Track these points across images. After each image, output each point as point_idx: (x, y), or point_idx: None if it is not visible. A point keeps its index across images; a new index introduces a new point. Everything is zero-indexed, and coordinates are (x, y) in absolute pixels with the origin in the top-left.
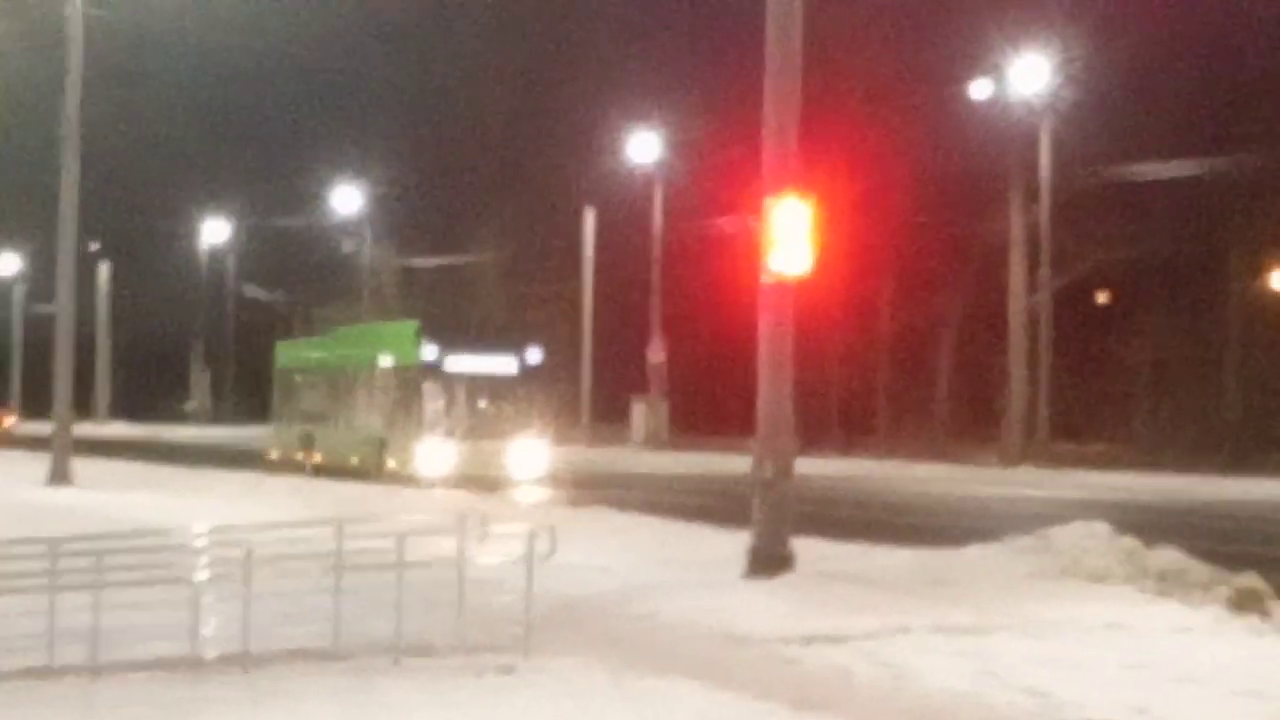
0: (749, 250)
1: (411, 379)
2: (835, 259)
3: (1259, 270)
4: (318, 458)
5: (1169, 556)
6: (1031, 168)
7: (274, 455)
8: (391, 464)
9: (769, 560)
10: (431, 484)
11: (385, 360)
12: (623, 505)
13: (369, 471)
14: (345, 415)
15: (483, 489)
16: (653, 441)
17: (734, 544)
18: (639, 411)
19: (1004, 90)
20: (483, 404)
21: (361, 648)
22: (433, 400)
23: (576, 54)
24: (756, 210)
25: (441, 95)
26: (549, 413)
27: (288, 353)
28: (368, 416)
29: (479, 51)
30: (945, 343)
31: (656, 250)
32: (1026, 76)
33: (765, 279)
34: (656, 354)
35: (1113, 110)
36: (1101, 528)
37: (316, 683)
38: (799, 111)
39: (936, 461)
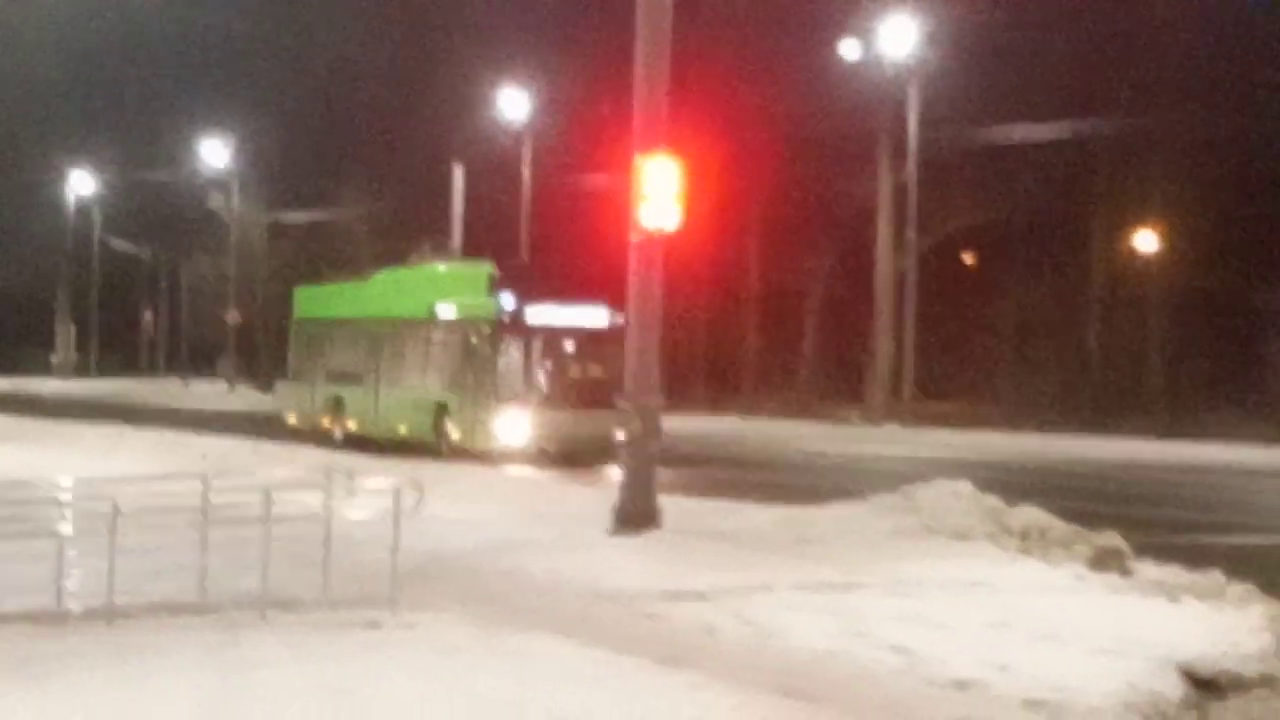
0: (618, 207)
1: (484, 333)
2: (704, 217)
3: (1121, 233)
4: (351, 425)
5: (1031, 515)
6: (899, 129)
7: (293, 421)
8: (455, 435)
9: (636, 517)
10: (509, 459)
11: (446, 310)
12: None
13: (424, 443)
14: (389, 376)
15: (572, 466)
16: None
17: (603, 500)
18: None
19: (873, 51)
20: (570, 364)
21: (227, 602)
22: (509, 359)
23: (447, 9)
24: (626, 168)
25: (311, 49)
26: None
27: (310, 300)
28: (422, 378)
29: (350, 6)
30: (812, 302)
31: (526, 207)
32: (895, 38)
33: (634, 236)
34: None
35: (980, 73)
36: (965, 486)
37: (182, 637)
38: (669, 70)
39: (802, 420)
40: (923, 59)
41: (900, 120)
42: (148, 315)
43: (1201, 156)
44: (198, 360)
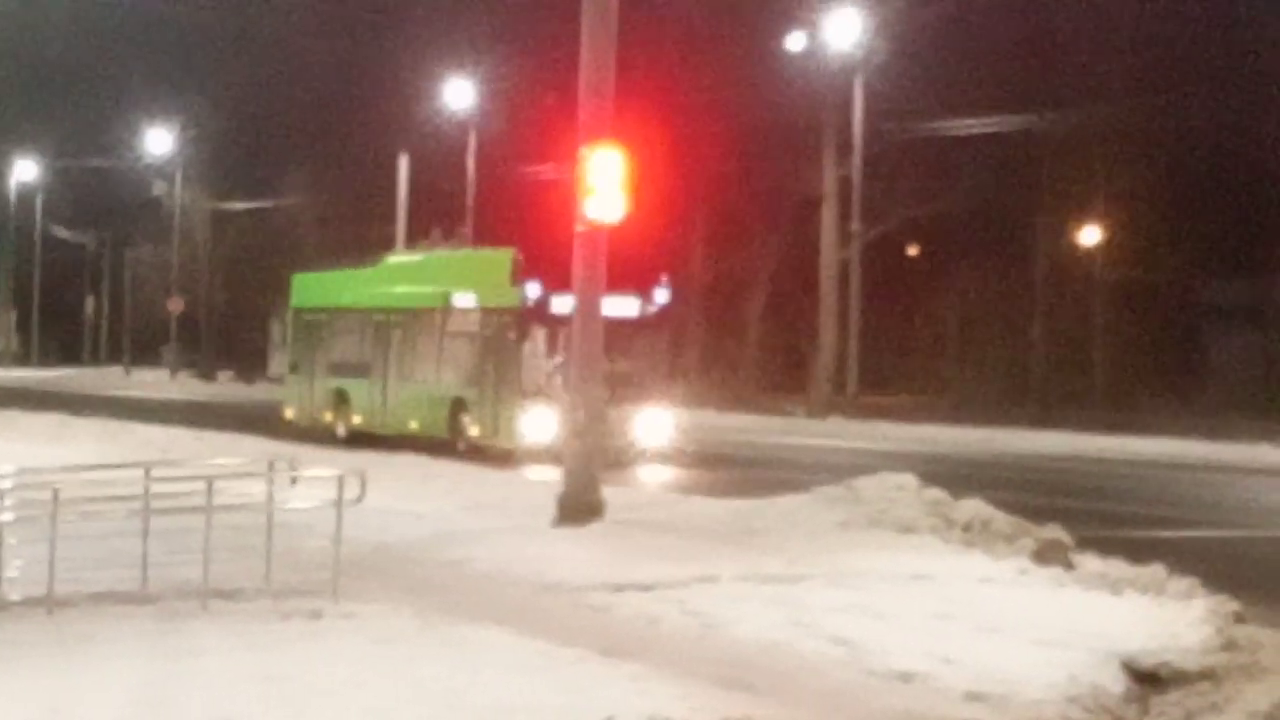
0: (564, 198)
1: (506, 323)
2: (649, 209)
3: (1065, 226)
4: (355, 420)
5: (975, 508)
6: (845, 121)
7: (291, 415)
8: (473, 431)
9: (580, 508)
10: (533, 458)
11: (465, 299)
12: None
13: (438, 439)
14: (399, 369)
15: (603, 465)
16: None
17: (546, 491)
18: None
19: (818, 43)
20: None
21: (169, 591)
22: (534, 351)
23: None
24: (572, 159)
25: (256, 38)
26: (679, 369)
27: (309, 287)
28: (436, 371)
29: None
30: (757, 293)
31: (470, 197)
32: (840, 30)
33: (580, 226)
34: None
35: (925, 65)
36: (909, 479)
37: (123, 626)
38: (614, 61)
39: (746, 412)
40: (868, 51)
41: (845, 112)
42: (90, 303)
43: (1144, 150)
44: (140, 348)
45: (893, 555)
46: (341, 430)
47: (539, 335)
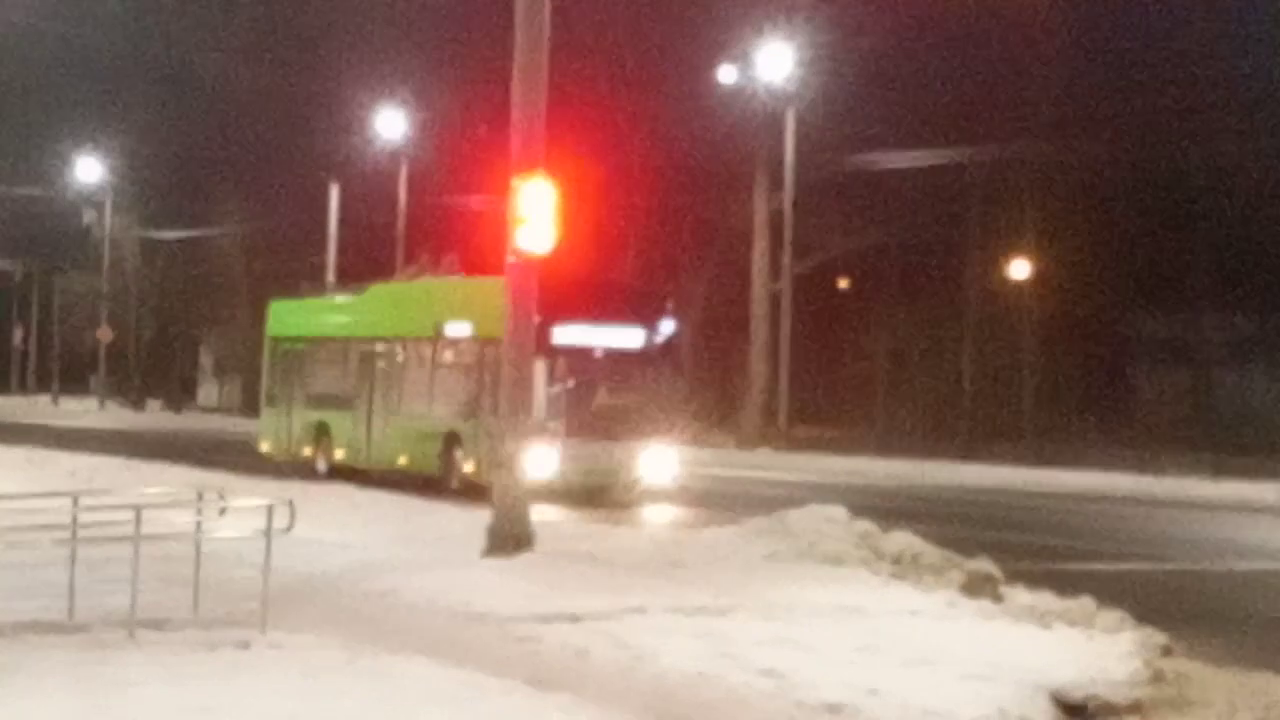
0: (495, 229)
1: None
2: (580, 240)
3: (995, 260)
4: (338, 455)
5: (904, 540)
6: (776, 154)
7: (267, 449)
8: (468, 467)
9: (509, 539)
10: (533, 496)
11: (459, 328)
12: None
13: (429, 476)
14: (387, 401)
15: (603, 503)
16: None
17: (475, 521)
18: None
19: (750, 77)
20: (604, 390)
21: (96, 621)
22: (535, 384)
23: (325, 29)
24: (503, 190)
25: (187, 66)
26: (684, 403)
27: (288, 315)
28: (428, 404)
29: (226, 23)
30: (687, 326)
31: (401, 227)
32: (772, 64)
33: (511, 258)
34: None
35: (857, 100)
36: (838, 511)
37: (49, 656)
38: (546, 93)
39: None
40: (800, 85)
41: (777, 145)
42: (19, 332)
43: (1073, 184)
44: (69, 377)
45: (821, 588)
46: (322, 465)
47: (540, 367)
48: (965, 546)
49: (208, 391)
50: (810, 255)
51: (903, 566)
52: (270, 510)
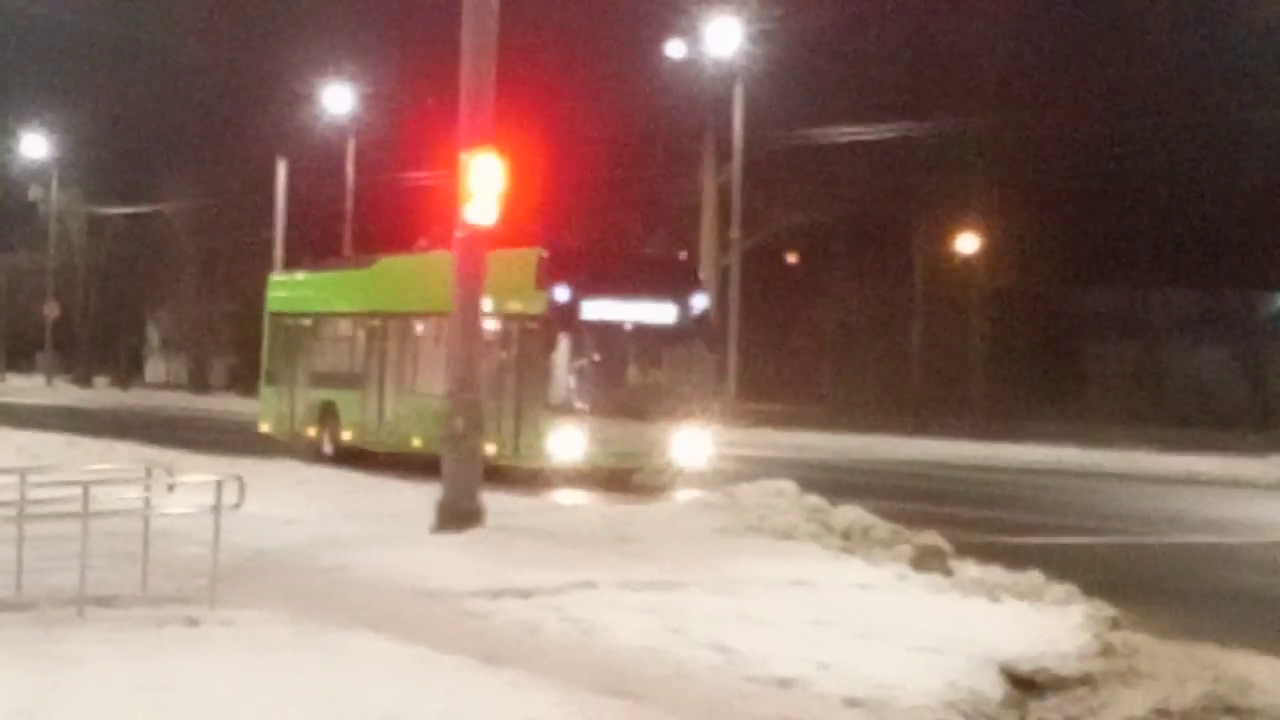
0: (444, 204)
1: (531, 330)
2: (529, 215)
3: (943, 234)
4: (346, 436)
5: (853, 514)
6: (724, 129)
7: (268, 429)
8: (489, 449)
9: (458, 515)
10: (562, 479)
11: (481, 303)
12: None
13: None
14: (399, 380)
15: (633, 488)
16: None
17: (424, 497)
18: None
19: (698, 51)
20: (636, 367)
21: (44, 599)
22: (563, 361)
23: (271, 2)
24: (452, 164)
25: (133, 42)
26: (717, 383)
27: (289, 290)
28: (444, 382)
29: None
30: None
31: (349, 202)
32: (720, 38)
33: (459, 232)
34: None
35: (805, 74)
36: (788, 486)
37: None
38: (494, 67)
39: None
40: (748, 59)
41: (725, 120)
42: None
43: (1021, 160)
44: (16, 354)
45: (771, 562)
46: (329, 447)
47: (568, 343)
48: (915, 520)
49: (155, 368)
50: (758, 230)
51: (852, 541)
52: (219, 486)
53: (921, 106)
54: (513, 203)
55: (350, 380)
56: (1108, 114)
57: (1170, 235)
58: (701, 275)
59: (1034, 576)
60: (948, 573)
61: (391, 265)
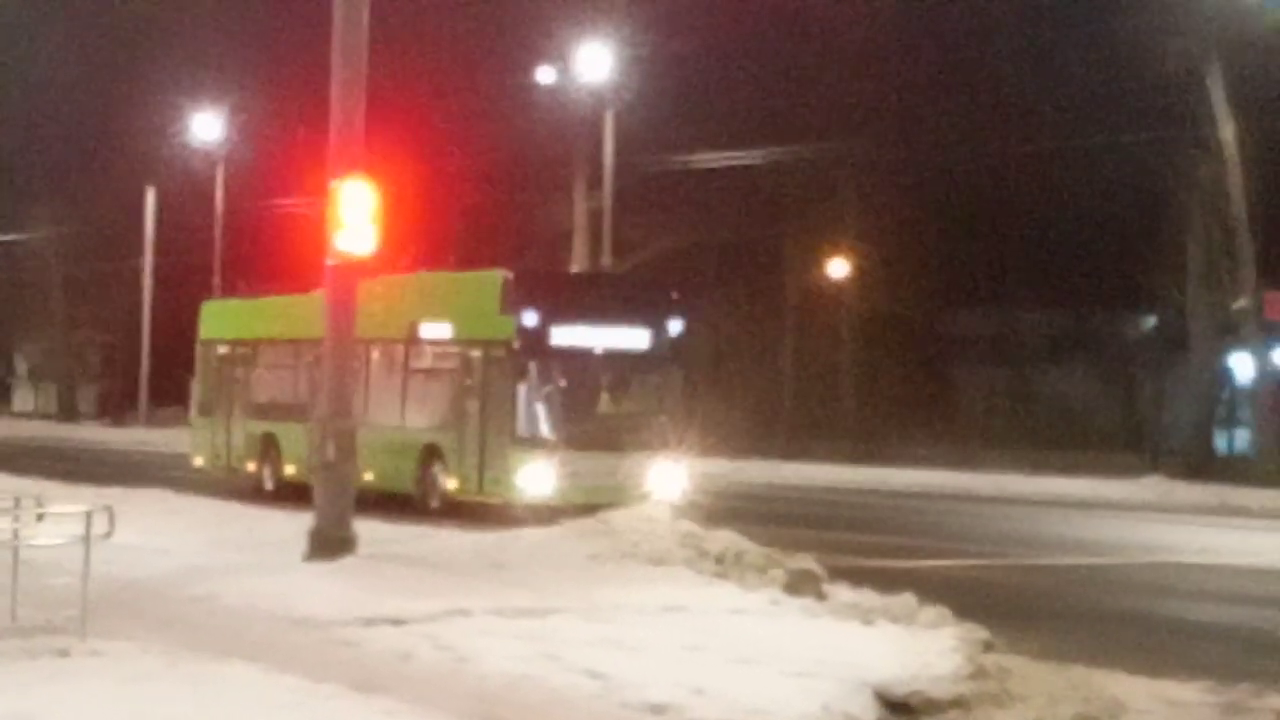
0: (315, 232)
1: (495, 358)
2: (402, 241)
3: (814, 258)
4: (289, 470)
5: (727, 539)
6: (595, 154)
7: (201, 463)
8: (450, 484)
9: (331, 542)
10: (529, 516)
11: (438, 329)
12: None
13: (400, 493)
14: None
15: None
16: None
17: (295, 525)
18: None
19: (569, 77)
20: (607, 396)
21: None
22: (531, 390)
23: (141, 30)
24: (323, 192)
25: (1, 66)
26: (693, 409)
27: (225, 316)
28: (399, 413)
29: (38, 23)
30: None
31: (218, 230)
32: (591, 64)
33: (330, 260)
34: None
35: (675, 99)
36: (660, 511)
37: None
38: (365, 94)
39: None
40: (619, 85)
41: (596, 145)
42: None
43: (892, 184)
44: None
45: (645, 587)
46: (270, 483)
47: (535, 371)
48: (788, 545)
49: (24, 397)
50: (631, 255)
51: (726, 565)
52: (89, 516)
53: (792, 132)
54: (385, 230)
55: (293, 411)
56: (976, 138)
57: (1039, 258)
58: (677, 301)
59: (907, 600)
60: (821, 597)
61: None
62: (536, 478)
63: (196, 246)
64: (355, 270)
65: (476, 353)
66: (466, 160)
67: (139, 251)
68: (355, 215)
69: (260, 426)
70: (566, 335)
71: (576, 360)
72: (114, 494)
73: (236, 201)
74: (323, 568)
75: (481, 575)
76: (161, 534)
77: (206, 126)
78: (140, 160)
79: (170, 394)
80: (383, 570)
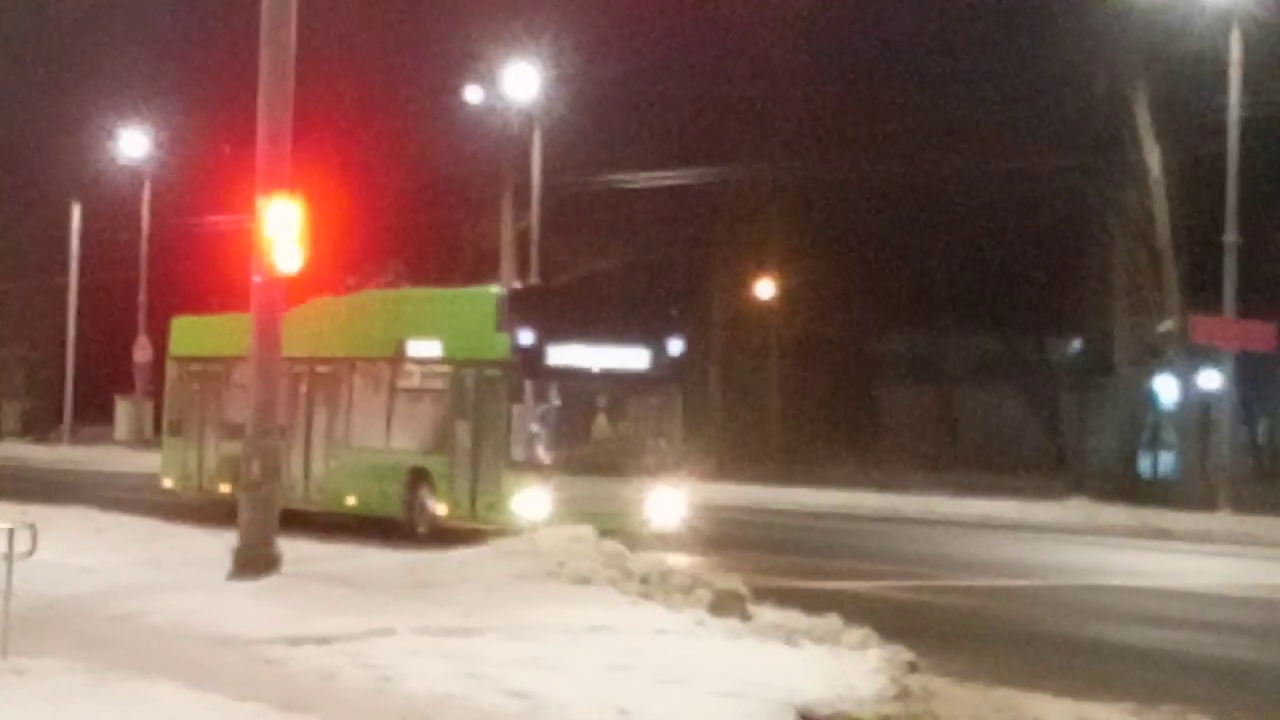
0: (241, 249)
1: (488, 378)
2: (329, 260)
3: (741, 280)
4: None
5: (652, 560)
6: (523, 174)
7: (171, 485)
8: (441, 509)
9: (255, 561)
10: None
11: (427, 347)
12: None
13: (386, 518)
14: (332, 432)
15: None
16: (137, 441)
17: (219, 544)
18: (123, 410)
19: (497, 97)
20: (605, 418)
21: None
22: (526, 411)
23: (63, 44)
24: (249, 209)
25: None
26: (692, 433)
27: (197, 333)
28: (385, 435)
29: None
30: None
31: (144, 247)
32: (518, 84)
33: (257, 277)
34: (143, 352)
35: (603, 121)
36: (586, 531)
37: None
38: (291, 112)
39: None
40: (546, 105)
41: (524, 165)
42: None
43: (818, 207)
44: None
45: (570, 607)
46: None
47: (530, 392)
48: (713, 565)
49: None
50: (557, 275)
51: (651, 586)
52: (11, 533)
53: (720, 153)
54: (312, 248)
55: None
56: (903, 161)
57: (965, 281)
58: (677, 320)
59: (832, 621)
60: (746, 617)
61: (324, 306)
62: (533, 503)
63: (122, 263)
64: (281, 287)
65: (469, 372)
66: (396, 178)
67: (64, 268)
68: (282, 233)
69: (235, 448)
70: (564, 354)
71: (575, 380)
72: (37, 512)
73: (162, 218)
74: (248, 586)
75: (407, 594)
76: (85, 552)
77: (132, 143)
78: (66, 176)
79: (95, 412)
80: (308, 588)
